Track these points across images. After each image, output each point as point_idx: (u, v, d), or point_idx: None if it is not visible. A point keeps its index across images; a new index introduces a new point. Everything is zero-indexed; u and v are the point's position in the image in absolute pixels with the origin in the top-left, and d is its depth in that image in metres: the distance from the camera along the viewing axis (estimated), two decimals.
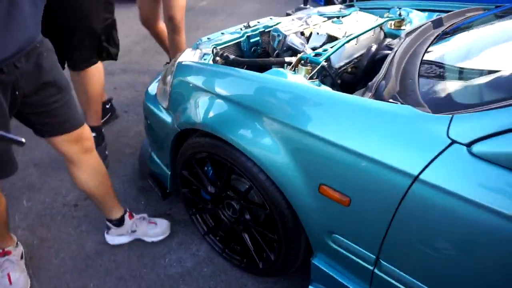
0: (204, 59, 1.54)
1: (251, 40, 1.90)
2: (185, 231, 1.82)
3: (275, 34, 1.83)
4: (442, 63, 1.19)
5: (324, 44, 1.67)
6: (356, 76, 1.66)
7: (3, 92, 1.06)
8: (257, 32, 1.91)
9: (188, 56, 1.57)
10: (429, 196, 0.84)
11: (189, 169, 1.58)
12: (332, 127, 1.01)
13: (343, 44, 1.52)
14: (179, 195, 1.73)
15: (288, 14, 5.22)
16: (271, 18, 2.08)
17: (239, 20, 4.82)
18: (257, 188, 1.25)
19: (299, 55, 1.44)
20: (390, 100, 0.98)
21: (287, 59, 1.72)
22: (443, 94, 1.00)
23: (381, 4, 2.16)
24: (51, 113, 1.24)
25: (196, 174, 1.57)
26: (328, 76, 1.55)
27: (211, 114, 1.31)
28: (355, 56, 1.68)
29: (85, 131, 1.40)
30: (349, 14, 2.17)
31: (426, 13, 2.00)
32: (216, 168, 1.48)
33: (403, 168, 0.88)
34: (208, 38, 1.79)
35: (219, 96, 1.30)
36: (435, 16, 1.98)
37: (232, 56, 1.72)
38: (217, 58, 1.68)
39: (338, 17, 2.16)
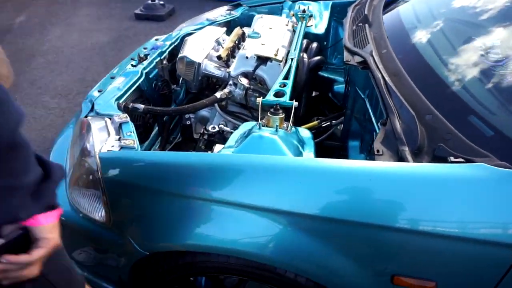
0: (128, 135, 1.05)
1: (151, 76, 1.46)
2: None
3: (185, 61, 1.45)
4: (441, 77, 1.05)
5: (257, 67, 1.38)
6: (295, 91, 1.44)
7: None
8: (153, 64, 1.48)
9: (99, 136, 1.05)
10: None
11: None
12: (399, 212, 0.78)
13: (296, 68, 1.27)
14: None
15: (136, 15, 4.25)
16: (156, 39, 1.64)
17: (80, 33, 3.73)
18: None
19: (259, 100, 1.12)
20: (451, 159, 0.80)
21: (217, 94, 1.38)
22: (495, 132, 0.87)
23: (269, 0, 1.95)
24: None
25: None
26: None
27: (214, 229, 0.90)
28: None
29: None
30: (239, 16, 1.89)
31: (321, 2, 1.89)
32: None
33: (505, 241, 0.74)
34: (99, 91, 1.28)
35: (206, 199, 0.90)
36: (330, 5, 1.88)
37: (141, 106, 1.30)
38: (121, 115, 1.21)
39: (244, 27, 1.84)
